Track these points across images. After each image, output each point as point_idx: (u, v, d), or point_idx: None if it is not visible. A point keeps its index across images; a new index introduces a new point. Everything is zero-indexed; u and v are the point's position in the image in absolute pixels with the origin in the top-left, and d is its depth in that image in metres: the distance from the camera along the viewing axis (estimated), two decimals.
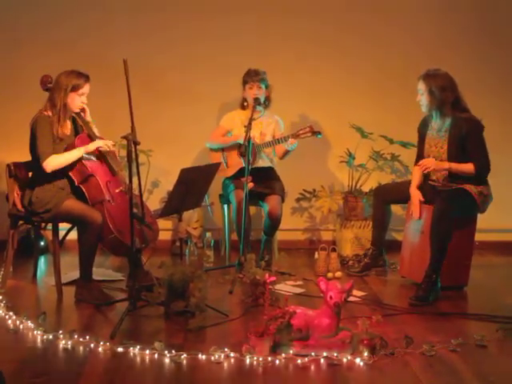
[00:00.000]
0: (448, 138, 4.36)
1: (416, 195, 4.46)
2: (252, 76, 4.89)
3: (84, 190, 4.15)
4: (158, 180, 5.59)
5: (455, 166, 4.32)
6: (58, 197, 4.13)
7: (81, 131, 4.31)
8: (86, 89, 4.16)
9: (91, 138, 4.24)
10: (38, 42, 5.42)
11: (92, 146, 4.15)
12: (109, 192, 4.16)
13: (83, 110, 4.25)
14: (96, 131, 4.32)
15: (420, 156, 4.57)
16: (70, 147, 4.14)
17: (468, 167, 4.31)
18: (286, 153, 4.92)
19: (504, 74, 5.66)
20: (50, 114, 4.11)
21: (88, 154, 4.15)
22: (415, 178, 4.52)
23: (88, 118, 4.29)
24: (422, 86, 4.37)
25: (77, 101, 4.16)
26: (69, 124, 4.23)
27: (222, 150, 5.06)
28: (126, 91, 3.72)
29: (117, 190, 4.19)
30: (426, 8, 5.58)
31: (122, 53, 3.96)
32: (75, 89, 4.11)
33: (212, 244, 5.10)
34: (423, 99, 4.39)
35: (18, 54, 5.42)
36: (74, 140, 4.18)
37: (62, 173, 4.14)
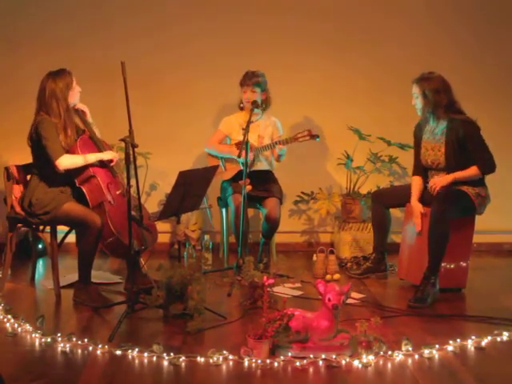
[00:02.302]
0: (445, 140, 4.36)
1: (417, 208, 4.43)
2: (246, 79, 4.88)
3: (85, 190, 4.15)
4: (156, 182, 5.58)
5: (459, 175, 4.30)
6: (58, 199, 4.13)
7: (81, 133, 4.31)
8: (74, 80, 4.18)
9: (93, 139, 4.25)
10: (36, 42, 5.42)
11: (106, 156, 4.19)
12: (110, 193, 4.16)
13: (84, 112, 4.27)
14: (97, 132, 4.33)
15: (418, 166, 4.55)
16: (71, 149, 4.15)
17: (472, 171, 4.30)
18: (279, 157, 4.93)
19: (508, 69, 5.66)
20: (52, 119, 4.09)
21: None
22: (415, 189, 4.50)
23: (89, 119, 4.30)
24: (416, 90, 4.38)
25: (75, 95, 4.19)
26: (74, 128, 4.24)
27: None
28: (123, 92, 3.71)
29: (117, 192, 4.20)
30: (426, 5, 5.58)
31: (119, 53, 3.97)
32: (69, 88, 4.13)
33: (210, 246, 5.09)
34: (418, 103, 4.39)
35: (17, 55, 5.42)
36: (75, 142, 4.18)
37: (63, 175, 4.14)
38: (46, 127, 4.06)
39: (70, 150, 4.14)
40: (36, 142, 4.10)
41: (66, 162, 4.07)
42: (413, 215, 4.46)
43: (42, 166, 4.15)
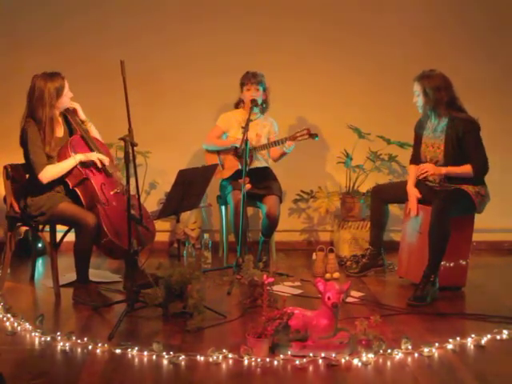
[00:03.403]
0: (445, 138, 4.37)
1: (413, 193, 4.47)
2: (250, 78, 4.91)
3: (79, 192, 4.15)
4: (155, 181, 5.58)
5: (452, 170, 4.33)
6: (53, 200, 4.12)
7: (74, 131, 4.30)
8: (67, 85, 4.14)
9: (84, 139, 4.23)
10: (36, 42, 5.42)
11: (87, 158, 4.14)
12: (103, 194, 4.15)
13: (74, 110, 4.25)
14: (94, 130, 4.32)
15: (415, 155, 4.58)
16: (63, 149, 4.14)
17: (465, 169, 4.32)
18: (283, 155, 4.93)
19: (508, 69, 5.65)
20: (38, 119, 4.07)
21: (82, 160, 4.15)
22: (412, 176, 4.54)
23: (82, 116, 4.29)
24: (417, 88, 4.39)
25: (66, 100, 4.17)
26: (61, 127, 4.22)
27: (218, 152, 5.07)
28: (123, 91, 3.71)
29: (112, 192, 4.19)
30: (425, 4, 5.57)
31: (119, 53, 3.96)
32: (59, 93, 4.09)
33: (210, 245, 5.10)
34: (419, 100, 4.41)
35: (16, 55, 5.42)
36: (67, 142, 4.16)
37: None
38: (31, 138, 4.04)
39: (60, 152, 4.13)
40: (24, 150, 4.11)
41: (48, 174, 4.05)
42: (408, 200, 4.48)
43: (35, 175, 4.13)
